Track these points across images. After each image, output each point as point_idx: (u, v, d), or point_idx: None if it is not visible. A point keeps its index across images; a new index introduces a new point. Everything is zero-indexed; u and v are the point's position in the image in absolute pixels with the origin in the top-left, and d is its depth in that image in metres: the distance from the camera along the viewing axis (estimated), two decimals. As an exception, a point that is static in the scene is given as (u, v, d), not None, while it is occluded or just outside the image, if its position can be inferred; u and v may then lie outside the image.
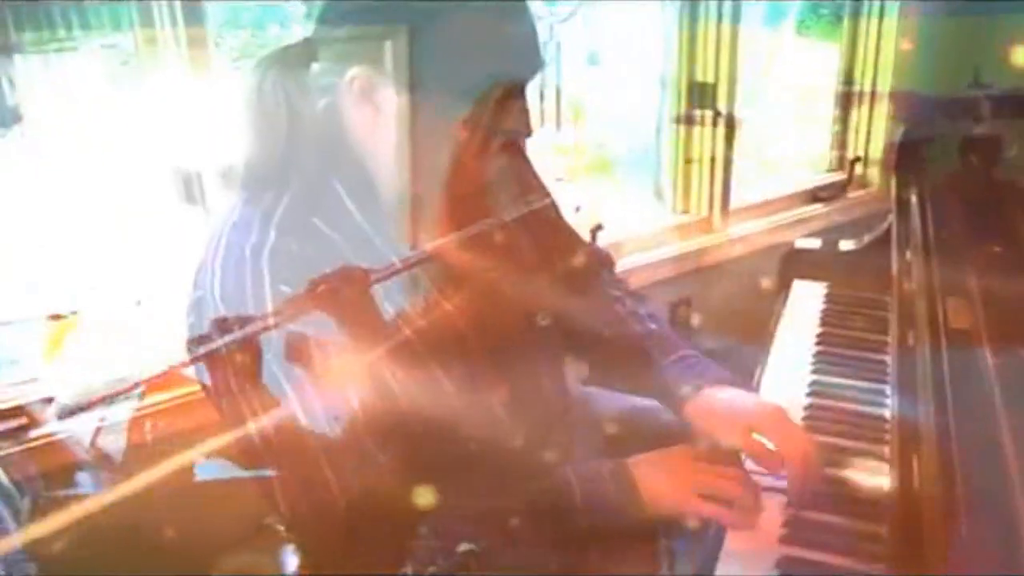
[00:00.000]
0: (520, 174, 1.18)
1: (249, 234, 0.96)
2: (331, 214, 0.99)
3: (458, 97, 0.96)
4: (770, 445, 1.04)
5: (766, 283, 1.70)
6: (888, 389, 1.25)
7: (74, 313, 1.46)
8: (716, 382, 1.13)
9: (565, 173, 2.41)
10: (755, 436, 1.05)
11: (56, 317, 1.46)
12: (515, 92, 0.99)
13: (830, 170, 2.75)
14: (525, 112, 1.02)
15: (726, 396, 1.10)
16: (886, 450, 1.12)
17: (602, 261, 1.36)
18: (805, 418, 1.23)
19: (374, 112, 0.97)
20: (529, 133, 1.03)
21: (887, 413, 1.20)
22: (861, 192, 2.70)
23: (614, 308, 1.25)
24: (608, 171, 2.58)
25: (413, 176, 1.00)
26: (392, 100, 0.97)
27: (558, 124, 2.28)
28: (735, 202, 2.42)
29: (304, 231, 0.97)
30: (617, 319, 1.23)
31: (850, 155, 2.71)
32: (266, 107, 0.99)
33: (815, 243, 1.72)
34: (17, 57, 1.38)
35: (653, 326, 1.23)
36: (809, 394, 1.29)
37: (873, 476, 1.08)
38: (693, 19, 2.24)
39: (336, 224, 0.99)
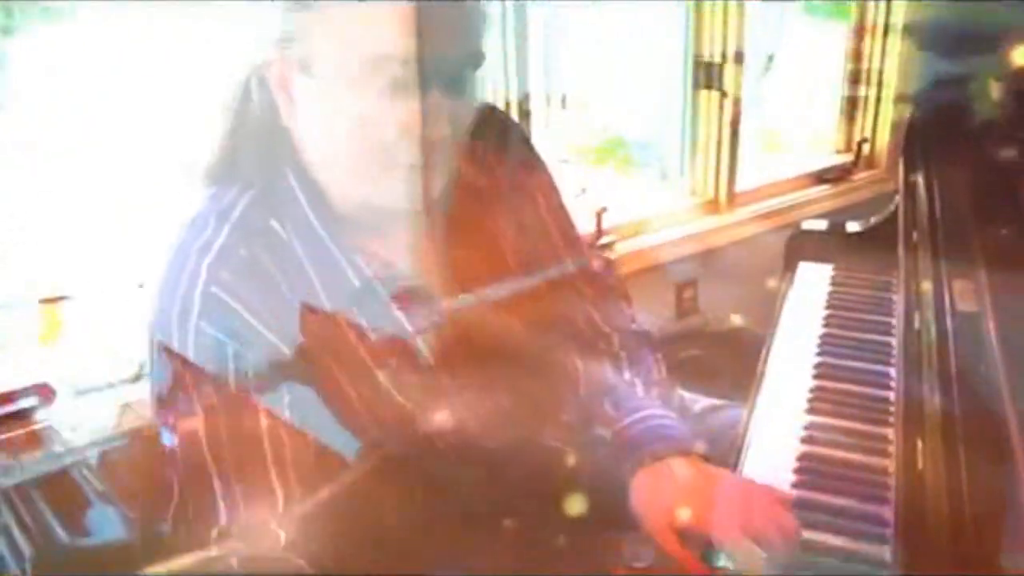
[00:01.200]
0: (491, 179, 1.09)
1: (202, 232, 0.94)
2: (288, 216, 0.95)
3: (357, 88, 0.88)
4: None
5: (772, 265, 1.69)
6: (894, 371, 1.25)
7: (64, 298, 1.45)
8: (679, 452, 1.02)
9: (570, 155, 2.41)
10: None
11: (48, 301, 1.45)
12: (423, 86, 0.89)
13: (837, 152, 2.73)
14: (441, 111, 0.90)
15: (680, 472, 0.99)
16: (890, 432, 1.12)
17: (606, 290, 1.25)
18: (810, 400, 1.22)
19: (290, 103, 0.93)
20: (428, 144, 0.92)
21: (892, 395, 1.20)
22: (868, 173, 2.69)
23: (597, 345, 1.17)
24: (614, 153, 2.58)
25: (341, 178, 0.95)
26: (302, 89, 0.92)
27: (563, 105, 2.27)
28: (741, 184, 2.42)
29: (259, 233, 0.94)
30: (591, 355, 1.16)
31: (857, 136, 2.69)
32: (223, 103, 0.97)
33: (821, 224, 1.71)
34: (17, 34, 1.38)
35: (626, 375, 1.15)
36: (815, 376, 1.28)
37: (878, 458, 1.09)
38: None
39: (293, 227, 0.95)
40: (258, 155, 0.96)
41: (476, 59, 0.94)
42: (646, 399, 1.12)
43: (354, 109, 0.90)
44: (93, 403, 1.39)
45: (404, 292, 1.00)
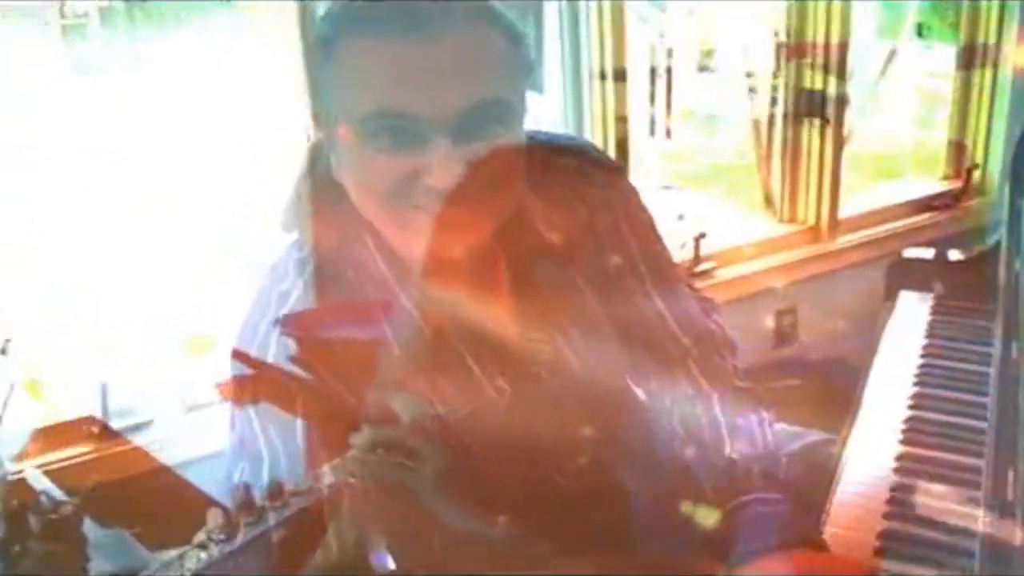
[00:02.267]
0: (576, 225, 1.03)
1: (281, 280, 0.96)
2: (362, 266, 0.95)
3: (361, 139, 0.87)
4: None
5: (873, 293, 1.68)
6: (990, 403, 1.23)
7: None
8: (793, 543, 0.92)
9: (671, 181, 2.42)
10: None
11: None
12: (406, 136, 0.85)
13: (945, 178, 2.67)
14: (453, 160, 0.85)
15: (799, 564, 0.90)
16: (985, 464, 1.11)
17: (706, 339, 1.13)
18: (904, 431, 1.21)
19: (335, 156, 0.93)
20: (438, 194, 0.86)
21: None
22: (977, 201, 2.62)
23: (696, 407, 1.07)
24: (715, 179, 2.59)
25: (379, 228, 0.93)
26: (339, 141, 0.91)
27: (667, 131, 2.29)
28: (844, 211, 2.39)
29: (334, 284, 0.94)
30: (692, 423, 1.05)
31: (967, 162, 2.63)
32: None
33: (926, 253, 1.68)
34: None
35: (728, 448, 1.04)
36: (911, 407, 1.27)
37: (972, 490, 1.07)
38: (802, 21, 2.22)
39: (367, 277, 0.95)
40: (328, 206, 0.96)
41: (490, 108, 0.87)
42: (750, 476, 1.02)
43: (363, 160, 0.89)
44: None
45: (477, 341, 0.97)
